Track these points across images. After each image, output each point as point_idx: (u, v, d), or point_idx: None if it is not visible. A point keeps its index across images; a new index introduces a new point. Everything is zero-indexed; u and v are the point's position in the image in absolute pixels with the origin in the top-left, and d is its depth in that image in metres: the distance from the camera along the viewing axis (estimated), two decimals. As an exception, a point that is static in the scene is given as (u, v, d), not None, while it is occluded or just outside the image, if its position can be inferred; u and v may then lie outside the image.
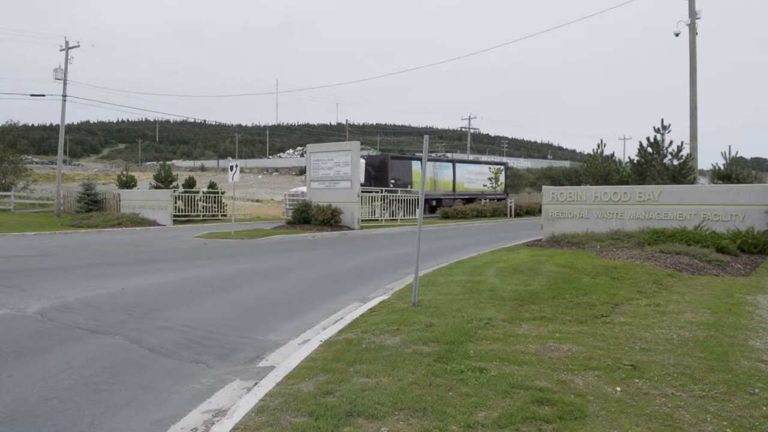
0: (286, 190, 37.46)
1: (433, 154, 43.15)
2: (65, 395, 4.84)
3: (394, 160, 34.05)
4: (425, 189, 34.16)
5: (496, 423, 3.85)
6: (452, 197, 37.05)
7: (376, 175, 32.11)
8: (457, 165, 38.17)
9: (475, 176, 38.96)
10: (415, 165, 34.38)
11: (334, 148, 26.29)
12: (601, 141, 22.02)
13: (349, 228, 23.99)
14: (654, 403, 4.22)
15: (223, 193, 32.95)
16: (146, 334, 6.88)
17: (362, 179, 30.30)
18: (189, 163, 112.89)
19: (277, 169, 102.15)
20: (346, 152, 25.21)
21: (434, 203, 35.99)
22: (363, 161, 31.31)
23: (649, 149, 18.46)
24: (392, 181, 32.03)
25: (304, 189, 28.42)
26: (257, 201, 52.97)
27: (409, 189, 32.22)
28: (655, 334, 6.24)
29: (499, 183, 39.68)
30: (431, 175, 34.85)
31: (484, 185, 39.09)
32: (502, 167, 41.16)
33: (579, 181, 39.32)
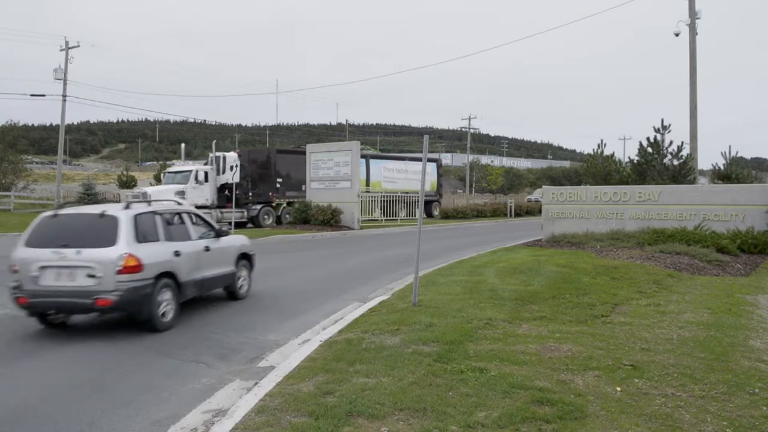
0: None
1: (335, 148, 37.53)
2: (65, 395, 4.84)
3: (283, 155, 28.33)
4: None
5: (496, 423, 3.85)
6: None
7: (260, 173, 26.95)
8: (372, 161, 32.18)
9: (398, 174, 32.92)
10: None
11: (334, 148, 26.29)
12: (601, 141, 22.10)
13: (349, 228, 23.99)
14: (654, 403, 4.22)
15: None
16: (146, 334, 6.87)
17: (234, 178, 25.24)
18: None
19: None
20: (346, 152, 25.21)
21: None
22: (234, 155, 26.73)
23: (649, 149, 18.47)
24: (279, 181, 26.92)
25: (146, 190, 24.59)
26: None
27: (304, 191, 27.20)
28: (655, 334, 6.24)
29: (429, 182, 33.88)
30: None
31: (412, 185, 32.74)
32: (433, 164, 35.53)
33: (579, 181, 38.99)
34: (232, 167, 25.87)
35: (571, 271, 10.36)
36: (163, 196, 23.20)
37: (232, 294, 9.24)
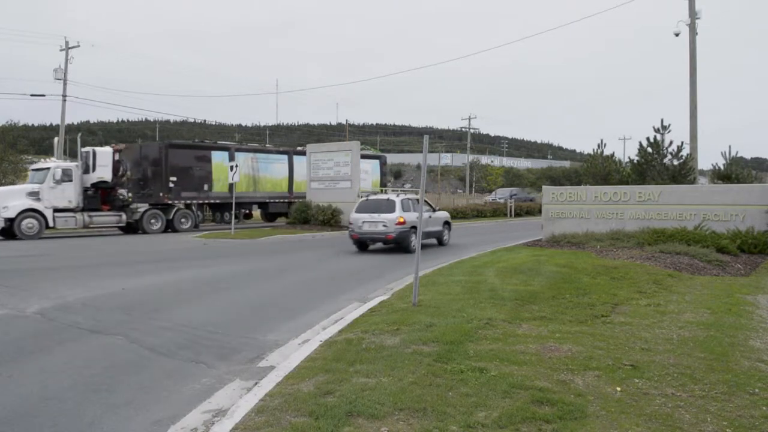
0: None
1: (248, 144, 31.80)
2: (65, 395, 4.84)
3: (178, 150, 24.97)
4: (241, 190, 25.74)
5: (496, 423, 3.85)
6: (287, 200, 28.31)
7: (153, 170, 24.17)
8: (297, 158, 28.70)
9: None
10: (218, 157, 25.90)
11: (334, 148, 26.28)
12: (601, 141, 22.06)
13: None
14: (654, 403, 4.22)
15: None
16: (146, 334, 6.88)
17: (105, 175, 23.18)
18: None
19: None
20: (346, 152, 25.21)
21: (254, 208, 28.50)
22: (108, 150, 24.03)
23: (649, 149, 18.47)
24: (172, 180, 23.94)
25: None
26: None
27: (206, 191, 24.91)
28: (655, 334, 6.24)
29: (371, 182, 30.36)
30: (248, 171, 26.90)
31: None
32: (375, 161, 31.69)
33: (579, 181, 38.81)
34: (120, 164, 23.33)
35: (571, 271, 10.35)
36: (8, 197, 20.84)
37: (440, 242, 17.70)
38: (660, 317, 7.04)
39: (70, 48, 34.69)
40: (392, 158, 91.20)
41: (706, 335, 6.16)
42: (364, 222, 15.69)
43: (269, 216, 29.36)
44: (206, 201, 25.66)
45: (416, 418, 3.96)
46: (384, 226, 15.41)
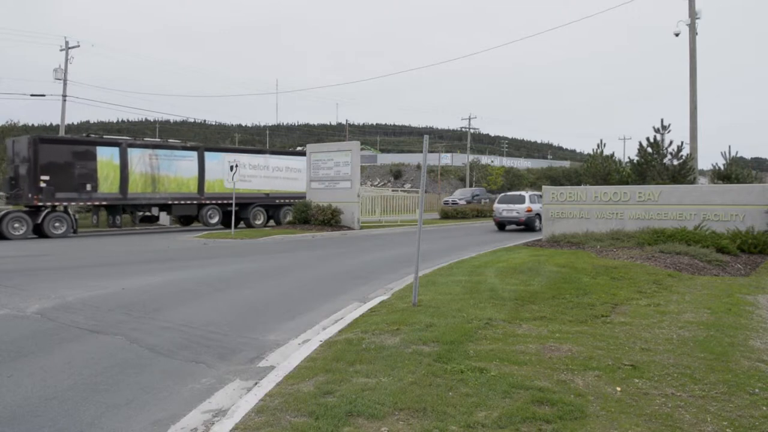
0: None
1: (163, 141, 28.96)
2: (65, 395, 4.84)
3: (51, 146, 22.08)
4: (136, 190, 23.84)
5: (496, 423, 3.85)
6: (197, 201, 25.68)
7: (24, 168, 21.56)
8: (209, 155, 26.08)
9: (253, 171, 27.39)
10: (105, 154, 23.16)
11: (334, 149, 26.28)
12: (601, 141, 22.12)
13: (349, 228, 24.00)
14: (654, 403, 4.22)
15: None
16: (146, 334, 6.88)
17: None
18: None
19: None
20: (346, 152, 25.21)
21: (152, 211, 25.58)
22: None
23: (649, 149, 18.49)
24: (44, 179, 21.29)
25: None
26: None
27: (90, 191, 22.41)
28: (655, 334, 6.24)
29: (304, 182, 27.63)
30: (145, 169, 24.29)
31: (278, 184, 28.03)
32: (303, 158, 28.02)
33: (579, 181, 38.79)
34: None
35: (571, 271, 10.36)
36: None
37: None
38: (660, 317, 7.05)
39: (70, 48, 34.75)
40: (392, 158, 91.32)
41: (706, 335, 6.16)
42: (503, 210, 24.01)
43: (181, 219, 27.60)
44: (89, 203, 23.07)
45: (416, 418, 3.96)
46: (517, 213, 23.42)
